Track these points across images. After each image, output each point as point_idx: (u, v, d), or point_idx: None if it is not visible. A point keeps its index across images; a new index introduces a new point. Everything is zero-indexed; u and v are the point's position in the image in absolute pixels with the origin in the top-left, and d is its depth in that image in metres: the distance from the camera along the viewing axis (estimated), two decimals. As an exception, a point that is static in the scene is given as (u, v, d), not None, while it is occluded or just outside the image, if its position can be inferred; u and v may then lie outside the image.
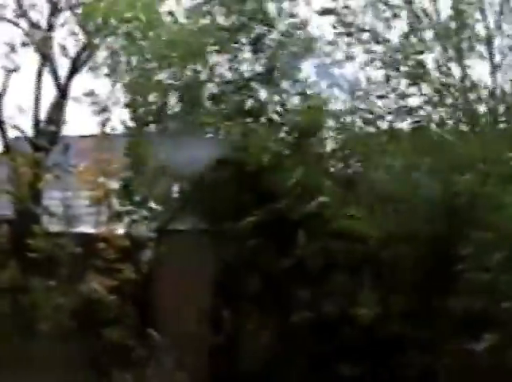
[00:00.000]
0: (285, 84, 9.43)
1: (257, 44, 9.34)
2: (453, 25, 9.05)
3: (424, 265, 7.83)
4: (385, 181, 8.05)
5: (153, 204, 9.51)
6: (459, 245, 7.50)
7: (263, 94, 9.42)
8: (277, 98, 9.37)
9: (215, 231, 8.88)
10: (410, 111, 8.99)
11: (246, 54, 9.43)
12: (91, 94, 9.62)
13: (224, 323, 8.76)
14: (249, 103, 9.34)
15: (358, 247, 7.97)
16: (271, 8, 9.47)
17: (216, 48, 9.32)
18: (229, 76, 9.43)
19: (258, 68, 9.39)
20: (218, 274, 8.88)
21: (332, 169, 9.10)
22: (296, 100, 9.44)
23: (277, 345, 8.61)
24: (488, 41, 9.17)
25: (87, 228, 9.60)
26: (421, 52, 9.02)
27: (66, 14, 10.07)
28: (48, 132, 9.94)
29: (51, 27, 10.15)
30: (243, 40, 9.39)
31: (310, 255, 8.28)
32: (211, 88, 9.43)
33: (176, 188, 9.56)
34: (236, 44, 9.37)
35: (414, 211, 7.80)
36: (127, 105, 9.68)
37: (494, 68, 9.01)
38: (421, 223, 7.78)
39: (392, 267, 7.93)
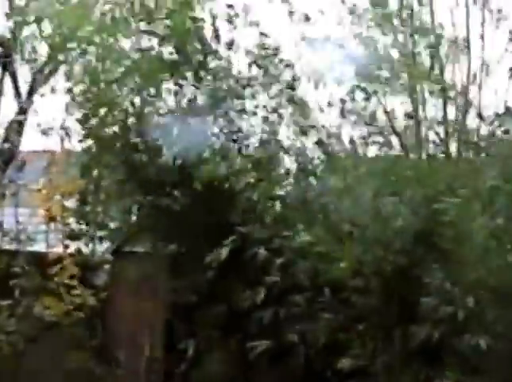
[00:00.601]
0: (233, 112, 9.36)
1: (199, 74, 9.27)
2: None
3: (388, 294, 7.84)
4: (353, 208, 8.04)
5: (110, 225, 9.38)
6: (426, 275, 7.52)
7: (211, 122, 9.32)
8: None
9: (176, 253, 8.77)
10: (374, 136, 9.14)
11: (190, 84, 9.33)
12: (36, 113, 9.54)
13: (183, 348, 8.65)
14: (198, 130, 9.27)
15: (322, 271, 7.95)
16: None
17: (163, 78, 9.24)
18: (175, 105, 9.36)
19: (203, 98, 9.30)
20: (177, 297, 8.75)
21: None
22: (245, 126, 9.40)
23: (237, 371, 8.57)
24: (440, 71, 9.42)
25: (41, 247, 9.44)
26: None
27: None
28: (5, 151, 9.77)
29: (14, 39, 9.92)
30: (187, 71, 9.30)
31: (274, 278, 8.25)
32: (160, 118, 9.31)
33: (133, 209, 9.43)
34: (180, 75, 9.27)
35: (382, 239, 7.79)
36: (80, 122, 9.51)
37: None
38: (389, 252, 7.78)
39: (357, 293, 7.91)
